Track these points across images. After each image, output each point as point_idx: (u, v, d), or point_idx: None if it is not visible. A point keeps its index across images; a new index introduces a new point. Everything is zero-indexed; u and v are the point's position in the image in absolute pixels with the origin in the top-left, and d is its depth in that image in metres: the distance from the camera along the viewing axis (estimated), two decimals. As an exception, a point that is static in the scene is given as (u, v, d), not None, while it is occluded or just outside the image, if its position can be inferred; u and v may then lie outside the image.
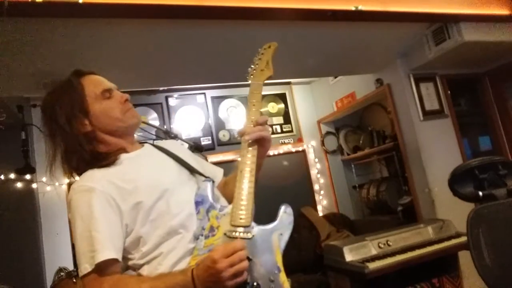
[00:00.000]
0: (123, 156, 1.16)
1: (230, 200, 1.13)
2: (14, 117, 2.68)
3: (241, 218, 1.03)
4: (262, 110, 4.10)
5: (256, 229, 1.04)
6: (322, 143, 4.27)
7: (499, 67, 3.46)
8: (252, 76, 1.21)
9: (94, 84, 1.17)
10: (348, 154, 4.21)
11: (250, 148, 1.10)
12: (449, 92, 3.32)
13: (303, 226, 3.59)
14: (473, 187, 1.53)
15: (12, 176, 2.79)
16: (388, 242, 2.43)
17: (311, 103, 4.42)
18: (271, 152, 3.99)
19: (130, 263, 1.09)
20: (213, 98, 4.00)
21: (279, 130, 4.16)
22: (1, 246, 2.56)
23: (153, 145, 1.29)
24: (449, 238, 2.54)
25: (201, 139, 3.81)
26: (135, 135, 1.29)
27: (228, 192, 1.22)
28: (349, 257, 2.32)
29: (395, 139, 3.39)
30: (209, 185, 1.14)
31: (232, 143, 3.92)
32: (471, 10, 2.71)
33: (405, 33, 2.85)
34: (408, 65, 3.19)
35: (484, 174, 1.51)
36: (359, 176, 4.27)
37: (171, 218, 1.07)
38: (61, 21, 1.83)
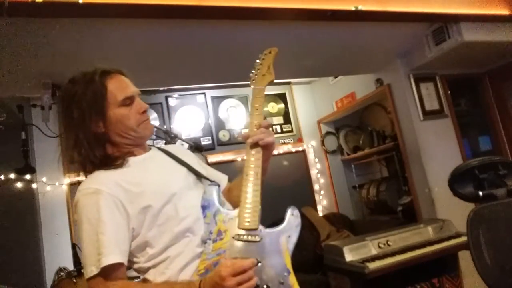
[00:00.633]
0: (131, 159, 1.16)
1: (235, 205, 1.13)
2: (14, 117, 2.68)
3: (248, 222, 1.03)
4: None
5: (264, 232, 1.04)
6: (322, 143, 4.27)
7: (499, 67, 3.46)
8: (254, 81, 1.22)
9: (118, 88, 1.16)
10: (348, 154, 4.21)
11: (254, 152, 1.11)
12: (449, 92, 3.32)
13: (303, 226, 3.56)
14: (473, 187, 1.53)
15: (12, 176, 2.78)
16: (388, 242, 2.43)
17: (311, 103, 4.41)
18: (271, 152, 3.99)
19: (135, 266, 1.09)
20: (213, 98, 4.00)
21: (279, 130, 4.16)
22: (1, 246, 2.56)
23: (159, 148, 1.29)
24: (449, 238, 2.54)
25: (201, 139, 3.81)
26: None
27: (232, 198, 1.23)
28: (349, 257, 2.32)
29: (395, 139, 3.39)
30: (215, 189, 1.14)
31: (232, 143, 3.92)
32: (471, 10, 2.70)
33: (405, 33, 2.85)
34: (408, 65, 3.19)
35: (484, 174, 1.51)
36: (359, 176, 4.27)
37: (178, 222, 1.07)
38: (61, 21, 1.83)
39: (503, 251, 1.37)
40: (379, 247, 2.40)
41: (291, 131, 4.21)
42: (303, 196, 4.00)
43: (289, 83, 4.30)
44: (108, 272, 0.99)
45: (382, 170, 4.13)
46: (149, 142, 1.29)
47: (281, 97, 4.27)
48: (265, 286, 0.97)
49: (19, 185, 2.90)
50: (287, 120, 4.24)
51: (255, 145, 1.11)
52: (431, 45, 2.88)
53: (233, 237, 1.03)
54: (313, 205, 4.04)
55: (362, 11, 2.32)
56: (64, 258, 2.94)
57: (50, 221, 3.13)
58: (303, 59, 2.90)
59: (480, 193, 1.49)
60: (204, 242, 1.06)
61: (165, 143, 2.34)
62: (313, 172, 4.19)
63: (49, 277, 2.75)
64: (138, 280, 1.20)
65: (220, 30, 2.24)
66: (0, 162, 2.71)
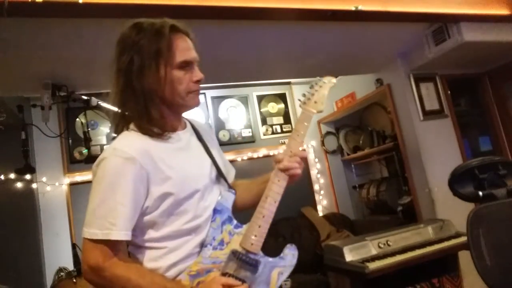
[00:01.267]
0: (173, 136, 1.11)
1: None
2: (14, 117, 2.68)
3: (252, 244, 1.04)
4: (262, 110, 4.13)
5: (261, 259, 1.06)
6: (322, 143, 4.27)
7: (499, 67, 3.46)
8: (305, 104, 1.16)
9: (180, 49, 1.08)
10: (348, 154, 4.21)
11: (280, 178, 1.09)
12: (449, 92, 3.32)
13: (303, 226, 3.59)
14: (473, 187, 1.53)
15: (12, 176, 2.78)
16: (388, 242, 2.43)
17: (311, 103, 4.41)
18: (271, 152, 4.00)
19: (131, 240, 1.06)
20: (213, 98, 4.00)
21: (279, 130, 4.16)
22: (1, 246, 2.56)
23: (192, 126, 1.26)
24: (449, 238, 2.54)
25: (201, 139, 3.81)
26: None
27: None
28: (349, 257, 2.32)
29: (395, 139, 3.39)
30: (231, 197, 1.15)
31: (232, 143, 3.92)
32: (471, 10, 2.70)
33: (405, 33, 2.85)
34: (408, 65, 3.19)
35: (484, 174, 1.52)
36: (359, 176, 4.27)
37: (191, 219, 1.06)
38: (61, 21, 1.83)
39: (503, 251, 1.37)
40: (379, 247, 2.40)
41: (291, 131, 4.21)
42: (303, 196, 3.99)
43: (289, 83, 4.30)
44: (112, 244, 0.97)
45: (382, 170, 4.13)
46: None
47: (281, 97, 4.27)
48: None
49: (19, 185, 2.90)
50: (287, 120, 4.24)
51: (283, 171, 1.09)
52: (431, 45, 2.88)
53: (232, 252, 1.04)
54: (313, 205, 4.05)
55: (362, 11, 2.32)
56: (64, 258, 2.94)
57: (50, 221, 3.14)
58: (303, 59, 2.90)
59: (480, 193, 1.49)
60: (204, 245, 1.07)
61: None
62: (313, 172, 4.19)
63: (49, 277, 2.75)
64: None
65: (220, 30, 2.24)
66: (0, 162, 2.71)
